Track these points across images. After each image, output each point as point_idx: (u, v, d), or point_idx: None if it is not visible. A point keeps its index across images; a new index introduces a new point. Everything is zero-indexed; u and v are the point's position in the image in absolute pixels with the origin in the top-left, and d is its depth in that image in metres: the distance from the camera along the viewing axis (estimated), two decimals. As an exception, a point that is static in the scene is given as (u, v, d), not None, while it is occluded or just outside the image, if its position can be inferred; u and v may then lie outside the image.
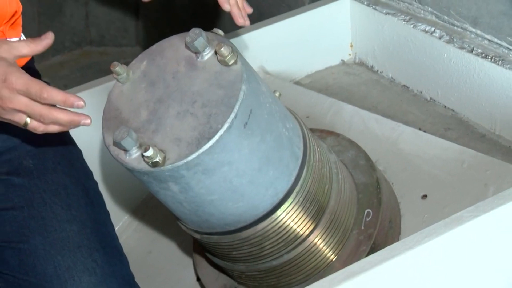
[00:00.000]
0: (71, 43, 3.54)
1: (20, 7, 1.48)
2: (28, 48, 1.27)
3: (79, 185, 1.49)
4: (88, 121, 1.26)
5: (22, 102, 1.24)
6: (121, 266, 1.45)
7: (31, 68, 1.57)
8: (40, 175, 1.46)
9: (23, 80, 1.23)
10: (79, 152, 1.59)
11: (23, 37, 1.52)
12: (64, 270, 1.38)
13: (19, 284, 1.40)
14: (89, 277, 1.39)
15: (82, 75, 3.20)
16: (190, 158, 1.25)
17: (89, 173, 1.57)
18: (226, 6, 1.33)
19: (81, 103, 1.24)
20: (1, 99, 1.24)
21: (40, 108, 1.25)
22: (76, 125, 1.27)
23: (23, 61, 1.53)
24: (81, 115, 1.26)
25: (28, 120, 1.26)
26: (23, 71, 1.25)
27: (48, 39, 1.29)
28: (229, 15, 1.46)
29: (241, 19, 1.36)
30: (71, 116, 1.26)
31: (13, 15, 1.46)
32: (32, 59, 1.59)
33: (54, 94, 1.24)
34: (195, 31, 1.31)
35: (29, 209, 1.43)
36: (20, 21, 1.50)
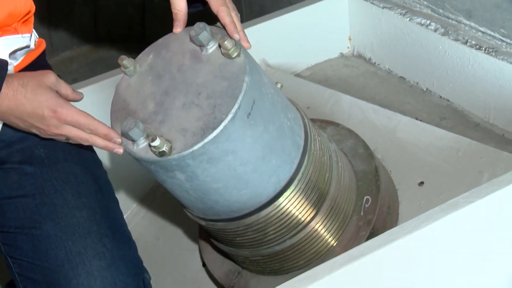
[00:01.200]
0: (80, 39, 3.53)
1: (33, 7, 1.51)
2: (65, 91, 1.39)
3: (88, 173, 1.51)
4: (121, 150, 1.36)
5: (67, 129, 1.36)
6: (129, 250, 1.47)
7: (42, 61, 1.60)
8: (51, 164, 1.48)
9: (72, 113, 1.35)
10: (88, 143, 1.62)
11: (34, 33, 1.55)
12: (75, 254, 1.40)
13: (32, 268, 1.42)
14: (99, 261, 1.40)
15: (90, 69, 3.20)
16: (195, 147, 1.27)
17: (98, 162, 1.58)
18: (236, 36, 1.38)
19: (119, 140, 1.36)
20: (47, 126, 1.36)
21: (82, 134, 1.36)
22: (110, 150, 1.37)
23: (34, 56, 1.56)
24: (116, 144, 1.36)
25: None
26: (69, 103, 1.37)
27: (79, 96, 1.41)
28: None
29: (247, 43, 1.40)
30: (107, 143, 1.36)
31: (26, 14, 1.49)
32: (44, 54, 1.61)
33: (99, 127, 1.36)
34: (200, 25, 1.33)
35: (41, 197, 1.45)
36: (32, 19, 1.52)
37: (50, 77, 1.37)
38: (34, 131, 1.38)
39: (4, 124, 1.45)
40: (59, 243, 1.41)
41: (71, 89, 1.40)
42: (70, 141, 1.39)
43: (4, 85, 1.33)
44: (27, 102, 1.34)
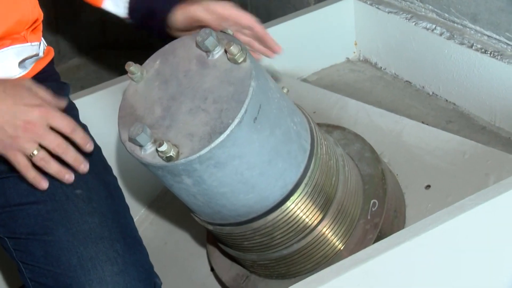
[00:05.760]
0: (87, 46, 3.54)
1: (41, 15, 1.52)
2: (44, 95, 1.35)
3: (99, 179, 1.51)
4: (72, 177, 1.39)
5: (47, 132, 1.33)
6: (141, 255, 1.48)
7: (51, 70, 1.60)
8: (62, 170, 1.49)
9: (58, 112, 1.33)
10: (98, 149, 1.61)
11: (43, 41, 1.56)
12: (87, 260, 1.41)
13: (45, 274, 1.43)
14: (111, 266, 1.41)
15: (97, 76, 3.19)
16: (202, 152, 1.27)
17: (108, 168, 1.59)
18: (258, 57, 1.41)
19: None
20: (27, 122, 1.31)
21: (62, 140, 1.35)
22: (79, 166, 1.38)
23: (43, 64, 1.57)
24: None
25: (36, 151, 1.35)
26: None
27: (61, 103, 1.38)
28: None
29: (272, 54, 1.44)
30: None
31: (35, 22, 1.50)
32: (52, 62, 1.61)
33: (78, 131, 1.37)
34: (206, 31, 1.33)
35: (52, 203, 1.45)
36: (40, 27, 1.53)
37: (27, 81, 1.34)
38: (9, 131, 1.31)
39: None
40: (71, 248, 1.42)
41: (50, 94, 1.36)
42: (34, 158, 1.35)
43: None
44: (6, 96, 1.29)
